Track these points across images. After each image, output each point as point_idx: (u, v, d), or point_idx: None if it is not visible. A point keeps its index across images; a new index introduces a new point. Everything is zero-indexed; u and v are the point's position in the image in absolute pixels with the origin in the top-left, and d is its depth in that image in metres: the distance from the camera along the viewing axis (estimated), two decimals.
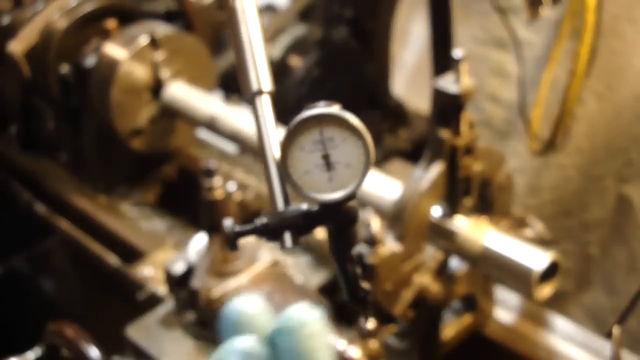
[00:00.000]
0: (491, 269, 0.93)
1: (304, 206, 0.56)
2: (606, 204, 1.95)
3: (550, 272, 0.90)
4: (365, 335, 0.89)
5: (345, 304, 1.03)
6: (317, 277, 1.12)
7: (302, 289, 1.02)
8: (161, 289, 1.14)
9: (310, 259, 1.15)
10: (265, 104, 0.59)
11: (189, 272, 0.99)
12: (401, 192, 0.93)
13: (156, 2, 1.55)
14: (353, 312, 1.08)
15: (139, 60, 1.32)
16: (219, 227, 0.99)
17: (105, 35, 1.37)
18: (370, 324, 0.88)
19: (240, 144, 1.24)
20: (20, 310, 1.57)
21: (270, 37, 1.69)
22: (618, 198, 1.93)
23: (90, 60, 1.36)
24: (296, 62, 1.72)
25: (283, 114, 1.99)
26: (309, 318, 0.52)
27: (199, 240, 1.03)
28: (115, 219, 1.41)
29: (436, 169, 0.92)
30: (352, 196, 0.55)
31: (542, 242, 1.06)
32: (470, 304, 1.07)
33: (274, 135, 0.59)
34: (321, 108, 0.53)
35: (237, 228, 0.56)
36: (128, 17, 1.43)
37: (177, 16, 1.56)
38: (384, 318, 0.93)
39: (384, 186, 1.03)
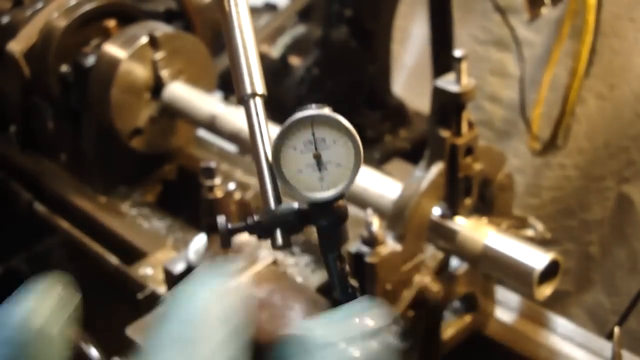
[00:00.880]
0: (492, 268, 0.93)
1: (295, 205, 0.57)
2: (607, 203, 1.95)
3: (551, 272, 0.90)
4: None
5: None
6: (317, 277, 1.12)
7: (302, 289, 1.01)
8: (161, 288, 1.14)
9: (310, 259, 1.15)
10: (258, 106, 0.59)
11: (189, 272, 0.99)
12: (401, 192, 0.92)
13: (156, 2, 1.55)
14: None
15: (138, 60, 1.32)
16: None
17: (105, 35, 1.36)
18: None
19: (240, 144, 1.24)
20: None
21: (270, 36, 1.69)
22: (619, 198, 1.93)
23: (90, 60, 1.36)
24: (296, 61, 1.72)
25: (283, 113, 1.98)
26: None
27: (199, 240, 1.03)
28: (115, 218, 1.40)
29: (436, 169, 0.92)
30: (342, 195, 0.55)
31: (542, 242, 1.06)
32: (470, 304, 1.07)
33: (266, 136, 0.62)
34: (313, 110, 0.54)
35: (230, 225, 0.56)
36: (128, 17, 1.43)
37: (177, 16, 1.56)
38: None
39: (384, 186, 1.03)
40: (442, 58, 1.73)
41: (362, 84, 1.86)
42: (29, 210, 1.53)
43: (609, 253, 2.01)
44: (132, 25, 1.37)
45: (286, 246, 0.60)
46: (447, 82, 0.89)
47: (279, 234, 0.59)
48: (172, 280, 1.02)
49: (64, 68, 1.39)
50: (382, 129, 1.92)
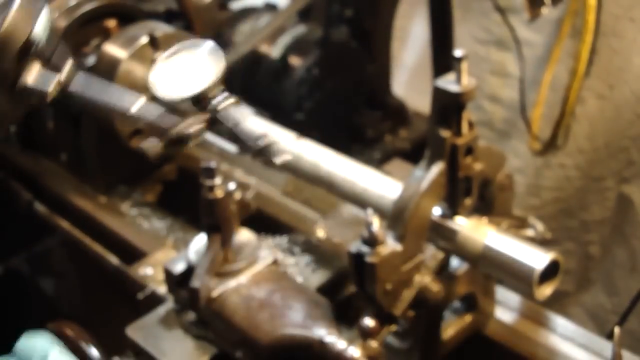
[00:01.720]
0: (492, 268, 0.93)
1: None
2: (607, 203, 1.95)
3: (551, 272, 0.90)
4: (365, 335, 0.89)
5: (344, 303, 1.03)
6: (316, 277, 1.12)
7: (303, 289, 1.01)
8: (161, 288, 1.14)
9: (310, 258, 1.15)
10: None
11: (189, 272, 0.99)
12: (401, 192, 0.92)
13: (156, 2, 1.55)
14: (353, 312, 1.08)
15: (139, 60, 1.32)
16: (219, 227, 0.99)
17: (105, 35, 1.36)
18: (371, 323, 0.88)
19: (240, 144, 1.24)
20: (20, 310, 1.57)
21: (270, 36, 1.69)
22: (619, 198, 1.93)
23: (90, 60, 1.36)
24: (296, 61, 1.72)
25: (283, 113, 2.00)
26: None
27: (200, 240, 1.03)
28: (116, 218, 1.40)
29: (436, 169, 0.92)
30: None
31: (542, 242, 1.06)
32: (470, 303, 1.07)
33: None
34: None
35: None
36: (128, 17, 1.43)
37: (177, 16, 1.56)
38: (384, 318, 0.93)
39: (384, 186, 1.03)
40: (442, 58, 1.73)
41: (362, 84, 1.86)
42: (29, 210, 1.53)
43: (609, 253, 2.00)
44: (132, 26, 1.37)
45: None
46: (447, 82, 0.89)
47: None
48: (172, 280, 1.02)
49: None
50: (382, 129, 1.92)
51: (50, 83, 0.81)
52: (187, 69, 0.83)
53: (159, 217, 1.39)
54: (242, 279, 1.00)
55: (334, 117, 1.82)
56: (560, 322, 1.09)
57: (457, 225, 0.95)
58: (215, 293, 0.98)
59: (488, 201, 1.01)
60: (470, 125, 0.92)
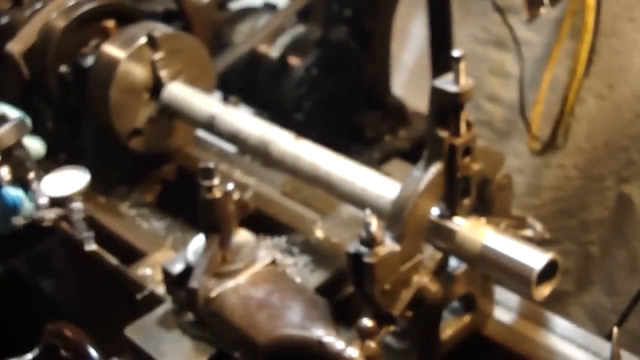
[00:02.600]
0: (490, 268, 0.93)
1: None
2: (606, 203, 1.95)
3: (549, 272, 0.90)
4: (363, 336, 0.88)
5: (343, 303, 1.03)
6: (315, 277, 1.12)
7: (301, 289, 1.01)
8: (160, 289, 1.14)
9: (308, 259, 1.15)
10: None
11: (188, 272, 0.99)
12: (399, 193, 0.92)
13: (155, 2, 1.55)
14: (352, 312, 1.08)
15: (137, 60, 1.32)
16: (217, 227, 0.99)
17: (104, 35, 1.36)
18: (369, 323, 0.88)
19: (239, 145, 1.24)
20: (20, 311, 1.56)
21: (270, 36, 1.69)
22: (618, 198, 1.93)
23: (89, 60, 1.36)
24: (295, 61, 1.72)
25: (282, 113, 2.00)
26: None
27: (198, 241, 1.03)
28: (114, 219, 1.40)
29: (435, 169, 0.92)
30: None
31: (542, 242, 1.06)
32: (469, 304, 1.07)
33: None
34: None
35: None
36: (127, 17, 1.43)
37: (176, 16, 1.56)
38: (383, 318, 0.93)
39: (382, 186, 1.03)
40: (441, 58, 1.73)
41: (362, 84, 1.86)
42: None
43: (608, 253, 2.00)
44: (131, 26, 1.37)
45: None
46: (446, 82, 0.89)
47: None
48: (171, 280, 1.02)
49: (63, 68, 1.39)
50: (382, 129, 1.92)
51: None
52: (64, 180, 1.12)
53: (158, 217, 1.39)
54: (241, 279, 1.00)
55: (333, 117, 1.82)
56: (559, 322, 1.09)
57: (456, 225, 0.95)
58: (213, 293, 0.97)
59: (487, 201, 1.00)
60: (469, 125, 0.92)
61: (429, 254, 0.96)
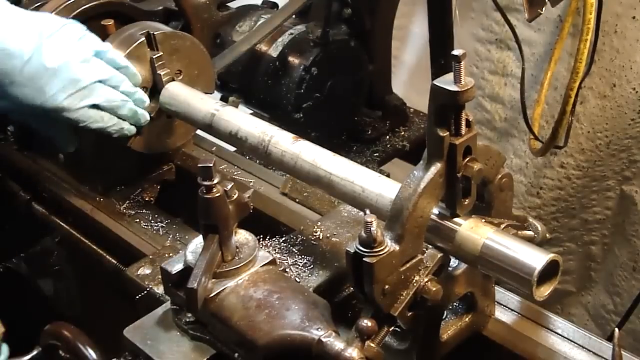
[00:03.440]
0: (490, 269, 0.93)
1: None
2: (608, 203, 1.95)
3: (550, 272, 0.90)
4: (363, 336, 0.88)
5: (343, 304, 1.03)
6: (315, 278, 1.11)
7: (301, 290, 1.01)
8: (159, 289, 1.13)
9: (308, 259, 1.15)
10: None
11: (187, 273, 0.99)
12: (399, 193, 0.92)
13: (154, 1, 1.55)
14: (352, 313, 1.07)
15: (136, 60, 1.32)
16: (217, 227, 0.98)
17: (103, 34, 1.36)
18: (369, 323, 0.88)
19: (239, 145, 1.23)
20: (19, 311, 1.56)
21: (270, 36, 1.68)
22: (620, 197, 1.92)
23: None
24: (295, 61, 1.72)
25: (282, 113, 1.99)
26: None
27: (197, 241, 1.03)
28: (114, 219, 1.40)
29: (435, 169, 0.91)
30: None
31: (543, 242, 1.05)
32: (470, 304, 1.06)
33: None
34: None
35: None
36: (126, 16, 1.43)
37: (175, 16, 1.56)
38: (383, 318, 0.92)
39: (382, 186, 1.02)
40: (442, 57, 1.72)
41: (362, 84, 1.86)
42: (28, 211, 1.53)
43: (610, 253, 2.00)
44: (130, 25, 1.37)
45: None
46: (446, 82, 0.88)
47: None
48: (170, 280, 1.01)
49: None
50: (382, 129, 1.92)
51: None
52: None
53: (157, 217, 1.39)
54: (240, 279, 1.00)
55: (334, 117, 1.81)
56: (560, 322, 1.08)
57: (456, 225, 0.95)
58: (212, 294, 0.97)
59: (487, 201, 1.00)
60: (469, 125, 0.91)
61: (430, 254, 0.95)
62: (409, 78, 2.38)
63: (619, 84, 1.78)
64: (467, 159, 0.92)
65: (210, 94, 1.43)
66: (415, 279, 0.93)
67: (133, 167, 1.46)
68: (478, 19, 2.07)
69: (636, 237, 1.91)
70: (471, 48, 2.05)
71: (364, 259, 0.87)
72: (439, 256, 0.95)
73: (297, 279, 1.11)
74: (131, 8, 1.46)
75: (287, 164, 1.14)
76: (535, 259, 0.88)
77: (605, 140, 1.85)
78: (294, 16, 1.71)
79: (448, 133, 0.90)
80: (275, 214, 1.34)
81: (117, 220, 1.39)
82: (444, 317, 1.03)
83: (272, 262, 1.04)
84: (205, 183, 0.96)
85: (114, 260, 1.36)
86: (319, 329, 0.91)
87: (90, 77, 1.20)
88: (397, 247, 0.89)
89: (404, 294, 0.92)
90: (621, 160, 1.87)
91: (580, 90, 1.63)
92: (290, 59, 1.71)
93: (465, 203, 0.95)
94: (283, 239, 1.20)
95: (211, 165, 0.95)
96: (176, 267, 1.01)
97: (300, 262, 1.14)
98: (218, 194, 0.96)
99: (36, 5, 1.41)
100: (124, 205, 1.43)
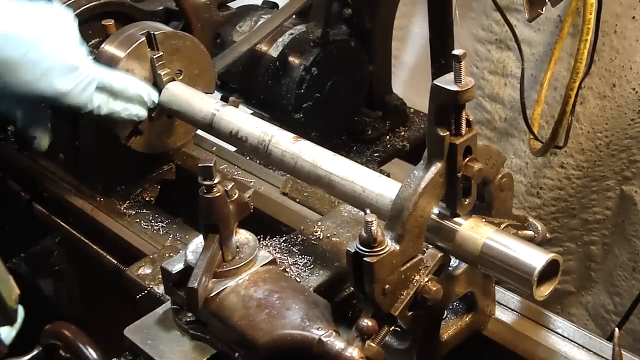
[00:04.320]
0: (490, 268, 0.93)
1: None
2: (608, 203, 1.95)
3: (550, 272, 0.90)
4: (363, 336, 0.88)
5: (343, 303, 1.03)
6: (315, 277, 1.11)
7: (301, 289, 1.01)
8: (160, 289, 1.13)
9: (309, 259, 1.15)
10: None
11: (187, 272, 0.99)
12: (399, 192, 0.92)
13: (154, 1, 1.55)
14: (352, 312, 1.07)
15: (137, 60, 1.32)
16: (217, 227, 0.98)
17: (103, 34, 1.36)
18: (369, 323, 0.88)
19: (239, 145, 1.23)
20: None
21: (270, 36, 1.68)
22: (620, 197, 1.92)
23: None
24: (295, 61, 1.72)
25: (283, 113, 1.99)
26: None
27: (198, 241, 1.03)
28: (114, 219, 1.40)
29: (435, 169, 0.91)
30: None
31: (543, 242, 1.05)
32: (470, 303, 1.06)
33: None
34: None
35: None
36: (126, 16, 1.43)
37: (176, 16, 1.56)
38: (383, 318, 0.92)
39: (382, 186, 1.02)
40: (442, 57, 1.72)
41: (362, 84, 1.86)
42: (28, 211, 1.53)
43: (610, 253, 2.00)
44: (130, 25, 1.37)
45: None
46: (446, 82, 0.89)
47: None
48: (170, 280, 1.01)
49: None
50: (382, 129, 1.92)
51: None
52: None
53: (158, 217, 1.39)
54: (240, 279, 1.00)
55: (334, 117, 1.81)
56: (560, 322, 1.08)
57: (456, 225, 0.95)
58: (213, 293, 0.97)
59: (487, 201, 1.00)
60: (469, 124, 0.91)
61: (430, 254, 0.95)
62: (409, 78, 2.38)
63: (618, 84, 1.78)
64: (468, 158, 0.93)
65: (211, 94, 1.43)
66: (416, 278, 0.93)
67: (133, 167, 1.46)
68: (478, 19, 2.07)
69: (636, 237, 1.91)
70: (471, 48, 2.05)
71: (364, 258, 0.88)
72: (439, 256, 0.95)
73: (297, 278, 1.11)
74: (131, 8, 1.46)
75: (288, 164, 1.14)
76: (536, 258, 0.88)
77: (605, 140, 1.85)
78: (294, 16, 1.71)
79: (448, 133, 0.90)
80: (275, 213, 1.34)
81: (118, 220, 1.39)
82: (444, 317, 1.03)
83: (273, 261, 1.04)
84: (206, 183, 0.96)
85: (114, 260, 1.36)
86: (320, 329, 0.91)
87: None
88: (398, 247, 0.90)
89: (404, 294, 0.92)
90: (621, 160, 1.87)
91: (580, 90, 1.64)
92: (291, 59, 1.71)
93: (466, 203, 0.95)
94: (283, 238, 1.19)
95: (211, 165, 0.95)
96: (176, 266, 1.01)
97: (301, 262, 1.14)
98: (218, 194, 0.96)
99: None
100: (124, 205, 1.43)
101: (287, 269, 1.13)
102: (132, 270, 1.20)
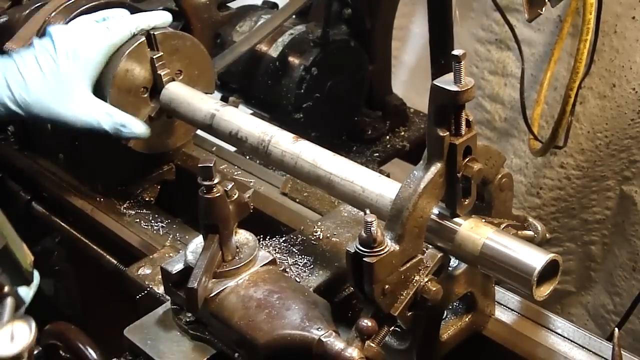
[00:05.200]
0: (490, 268, 0.93)
1: None
2: (608, 203, 1.95)
3: (550, 271, 0.90)
4: (363, 336, 0.88)
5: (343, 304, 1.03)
6: (315, 278, 1.11)
7: (301, 289, 1.01)
8: (160, 289, 1.13)
9: (308, 259, 1.15)
10: None
11: (187, 273, 0.99)
12: (399, 193, 0.92)
13: (154, 1, 1.55)
14: (352, 313, 1.07)
15: (136, 60, 1.32)
16: (217, 227, 0.98)
17: None
18: (369, 323, 0.88)
19: (239, 145, 1.23)
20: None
21: (270, 36, 1.69)
22: (620, 197, 1.92)
23: None
24: (295, 61, 1.72)
25: (283, 113, 1.99)
26: None
27: (198, 241, 1.03)
28: (114, 219, 1.40)
29: (435, 169, 0.91)
30: None
31: (543, 242, 1.05)
32: (470, 304, 1.07)
33: None
34: None
35: None
36: None
37: (176, 16, 1.56)
38: (383, 318, 0.92)
39: (382, 186, 1.02)
40: (442, 57, 1.72)
41: (362, 84, 1.86)
42: (28, 211, 1.53)
43: (610, 253, 2.00)
44: None
45: None
46: (446, 82, 0.89)
47: None
48: (170, 280, 1.01)
49: None
50: (382, 129, 1.92)
51: None
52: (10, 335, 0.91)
53: (157, 217, 1.39)
54: (240, 279, 1.00)
55: (334, 117, 1.81)
56: (560, 322, 1.08)
57: (456, 225, 0.95)
58: (213, 293, 0.97)
59: (487, 201, 1.00)
60: (469, 125, 0.91)
61: (430, 254, 0.95)
62: (409, 78, 2.38)
63: (618, 84, 1.78)
64: (467, 159, 0.93)
65: (211, 94, 1.43)
66: (415, 278, 0.93)
67: (133, 167, 1.46)
68: (478, 19, 2.07)
69: (636, 237, 1.91)
70: (471, 48, 2.05)
71: (364, 258, 0.88)
72: (439, 256, 0.95)
73: (297, 278, 1.11)
74: (131, 8, 1.45)
75: (287, 164, 1.14)
76: (535, 258, 0.88)
77: (605, 141, 1.85)
78: (294, 16, 1.71)
79: (448, 133, 0.90)
80: (275, 214, 1.34)
81: (117, 220, 1.39)
82: (444, 317, 1.03)
83: (272, 262, 1.04)
84: (206, 183, 0.96)
85: (114, 260, 1.36)
86: (319, 329, 0.91)
87: None
88: (397, 247, 0.90)
89: (404, 294, 0.92)
90: (621, 160, 1.87)
91: (580, 90, 1.64)
92: (291, 59, 1.71)
93: (465, 203, 0.95)
94: (283, 239, 1.19)
95: (211, 165, 0.95)
96: (176, 267, 1.01)
97: (301, 262, 1.14)
98: (218, 194, 0.96)
99: (36, 5, 1.41)
100: (124, 205, 1.43)
101: (286, 269, 1.13)
102: (132, 270, 1.20)
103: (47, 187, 1.51)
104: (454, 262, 1.00)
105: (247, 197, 1.02)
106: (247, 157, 1.55)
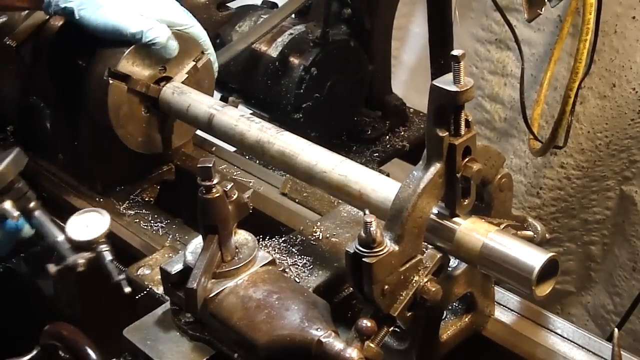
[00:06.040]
0: (490, 268, 0.93)
1: None
2: (608, 203, 1.95)
3: (550, 271, 0.90)
4: (362, 336, 0.88)
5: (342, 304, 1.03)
6: (315, 278, 1.11)
7: (300, 290, 1.01)
8: (159, 289, 1.13)
9: (308, 259, 1.15)
10: None
11: (186, 273, 0.99)
12: (399, 193, 0.92)
13: None
14: (352, 313, 1.07)
15: (136, 60, 1.32)
16: (216, 227, 0.98)
17: None
18: (368, 323, 0.88)
19: (238, 145, 1.23)
20: (19, 311, 1.56)
21: (270, 35, 1.68)
22: (620, 197, 1.92)
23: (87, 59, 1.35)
24: (295, 61, 1.72)
25: (282, 113, 1.99)
26: None
27: (197, 241, 1.03)
28: (114, 219, 1.39)
29: (434, 169, 0.91)
30: None
31: (543, 242, 1.05)
32: (469, 304, 1.06)
33: None
34: None
35: None
36: None
37: None
38: (383, 318, 0.92)
39: (382, 186, 1.02)
40: (441, 57, 1.72)
41: (362, 84, 1.86)
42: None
43: (610, 253, 2.00)
44: None
45: None
46: (445, 82, 0.89)
47: None
48: (170, 281, 1.01)
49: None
50: (382, 129, 1.92)
51: None
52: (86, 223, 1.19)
53: (157, 217, 1.39)
54: (240, 279, 1.00)
55: (333, 117, 1.81)
56: (560, 322, 1.08)
57: (455, 225, 0.95)
58: (212, 294, 0.97)
59: (487, 201, 1.00)
60: (468, 125, 0.91)
61: (429, 254, 0.95)
62: (409, 78, 2.38)
63: (618, 84, 1.78)
64: (467, 159, 0.92)
65: (210, 94, 1.43)
66: (415, 279, 0.93)
67: (133, 167, 1.46)
68: (478, 19, 2.07)
69: (636, 237, 1.91)
70: (471, 48, 2.05)
71: (363, 259, 0.88)
72: (438, 256, 0.95)
73: (296, 279, 1.11)
74: None
75: (287, 164, 1.14)
76: (535, 258, 0.88)
77: (605, 141, 1.85)
78: (293, 16, 1.71)
79: (447, 133, 0.90)
80: (275, 214, 1.34)
81: (117, 220, 1.39)
82: (443, 317, 1.03)
83: (272, 262, 1.04)
84: (205, 183, 0.96)
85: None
86: (319, 329, 0.91)
87: None
88: (397, 247, 0.90)
89: (403, 294, 0.92)
90: (621, 160, 1.87)
91: (580, 90, 1.64)
92: (290, 59, 1.71)
93: (465, 203, 0.95)
94: (283, 239, 1.19)
95: (211, 165, 0.95)
96: (176, 267, 1.01)
97: (300, 262, 1.14)
98: (218, 194, 0.96)
99: None
100: (124, 205, 1.43)
101: (286, 270, 1.12)
102: (131, 270, 1.20)
103: (46, 187, 1.51)
104: (453, 262, 0.99)
105: (246, 198, 1.02)
106: (247, 157, 1.55)
